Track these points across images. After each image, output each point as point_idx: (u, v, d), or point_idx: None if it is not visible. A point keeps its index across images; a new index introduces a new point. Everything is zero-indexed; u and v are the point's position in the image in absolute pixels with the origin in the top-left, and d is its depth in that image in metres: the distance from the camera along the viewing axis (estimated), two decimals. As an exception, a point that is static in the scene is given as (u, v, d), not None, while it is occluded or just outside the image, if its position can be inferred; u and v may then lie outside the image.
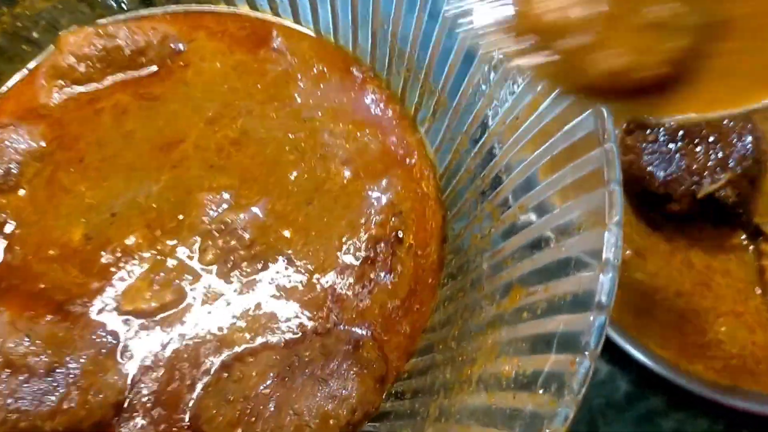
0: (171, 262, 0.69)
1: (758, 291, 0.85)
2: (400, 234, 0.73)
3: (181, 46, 0.79)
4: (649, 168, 0.85)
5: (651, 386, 0.81)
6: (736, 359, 0.82)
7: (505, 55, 0.47)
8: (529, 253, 0.62)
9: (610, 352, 0.79)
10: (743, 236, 0.86)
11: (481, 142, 0.70)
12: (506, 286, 0.63)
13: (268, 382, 0.63)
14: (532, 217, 0.64)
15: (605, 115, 0.53)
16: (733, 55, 0.46)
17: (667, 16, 0.45)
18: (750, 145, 0.85)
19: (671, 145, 0.86)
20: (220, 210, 0.70)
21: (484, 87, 0.69)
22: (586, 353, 0.51)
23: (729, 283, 0.85)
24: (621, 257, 0.54)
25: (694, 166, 0.84)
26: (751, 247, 0.86)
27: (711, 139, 0.86)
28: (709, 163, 0.84)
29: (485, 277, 0.66)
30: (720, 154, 0.84)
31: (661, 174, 0.84)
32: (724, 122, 0.87)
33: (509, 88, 0.67)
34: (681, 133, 0.86)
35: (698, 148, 0.85)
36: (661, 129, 0.87)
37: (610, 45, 0.46)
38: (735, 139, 0.85)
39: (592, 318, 0.52)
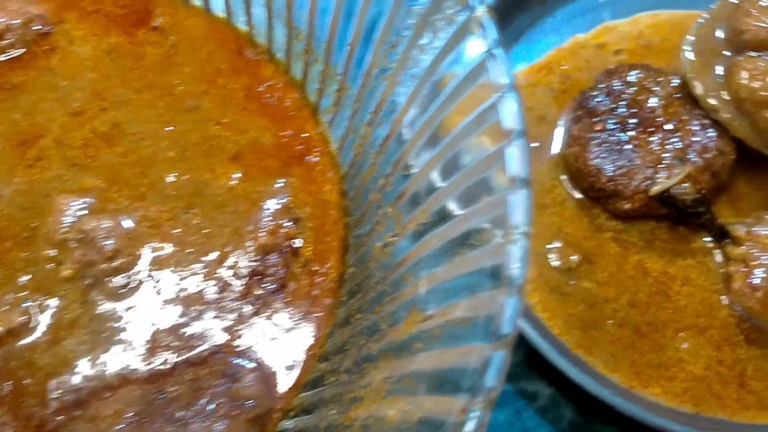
0: (22, 279, 0.59)
1: (725, 301, 0.74)
2: (297, 244, 0.62)
3: (47, 29, 0.68)
4: (596, 161, 0.74)
5: (600, 414, 0.71)
6: (699, 381, 0.71)
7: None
8: (432, 265, 0.52)
9: (552, 374, 0.69)
10: (706, 238, 0.76)
11: (384, 135, 0.59)
12: (405, 306, 0.53)
13: (122, 425, 0.53)
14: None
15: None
16: None
17: None
18: (713, 133, 0.74)
19: (622, 135, 0.75)
20: (79, 216, 0.60)
21: (387, 69, 0.59)
22: (480, 400, 0.41)
23: (690, 292, 0.75)
24: (524, 277, 0.43)
25: (648, 159, 0.73)
26: (716, 251, 0.76)
27: (669, 127, 0.75)
28: (666, 155, 0.73)
29: (386, 294, 0.56)
30: (678, 145, 0.74)
31: (609, 168, 0.73)
32: (685, 107, 0.76)
33: (414, 68, 0.57)
34: (634, 120, 0.76)
35: (653, 138, 0.75)
36: (611, 116, 0.76)
37: None
38: (696, 127, 0.75)
39: (489, 353, 0.41)
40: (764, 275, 0.70)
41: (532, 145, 0.80)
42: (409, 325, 0.51)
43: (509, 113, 0.48)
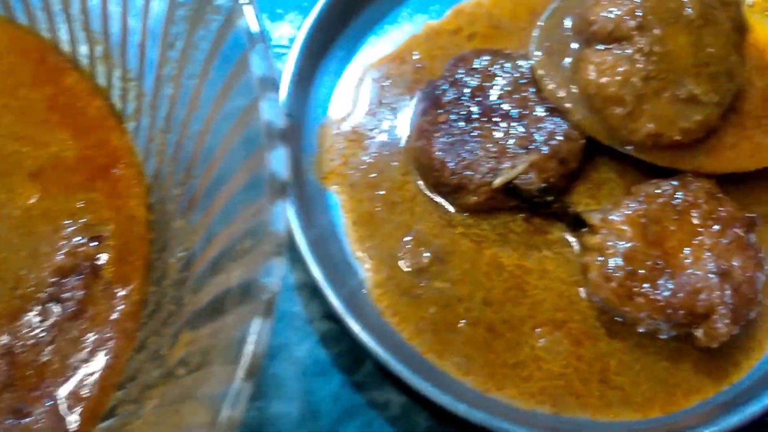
0: None
1: (583, 294, 0.71)
2: (99, 263, 0.58)
3: None
4: (440, 155, 0.70)
5: (457, 419, 0.67)
6: (557, 379, 0.68)
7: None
8: (205, 283, 0.48)
9: (403, 382, 0.65)
10: (562, 229, 0.73)
11: (175, 141, 0.55)
12: (178, 328, 0.49)
13: None
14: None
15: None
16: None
17: (698, 93, 0.67)
18: (560, 119, 0.71)
19: (467, 125, 0.72)
20: None
21: (170, 69, 0.55)
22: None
23: (547, 285, 0.71)
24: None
25: (493, 149, 0.70)
26: (575, 242, 0.73)
27: (514, 114, 0.72)
28: (510, 144, 0.70)
29: (172, 314, 0.52)
30: (523, 133, 0.70)
31: (452, 161, 0.70)
32: (532, 92, 0.73)
33: (196, 68, 0.53)
34: (479, 110, 0.72)
35: (498, 127, 0.71)
36: (456, 106, 0.73)
37: (650, 115, 0.68)
38: (543, 113, 0.71)
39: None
40: (619, 264, 0.67)
41: (380, 139, 0.77)
42: (178, 349, 0.47)
43: (270, 112, 0.44)
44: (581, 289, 0.71)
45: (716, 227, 0.69)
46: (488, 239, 0.72)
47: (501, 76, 0.74)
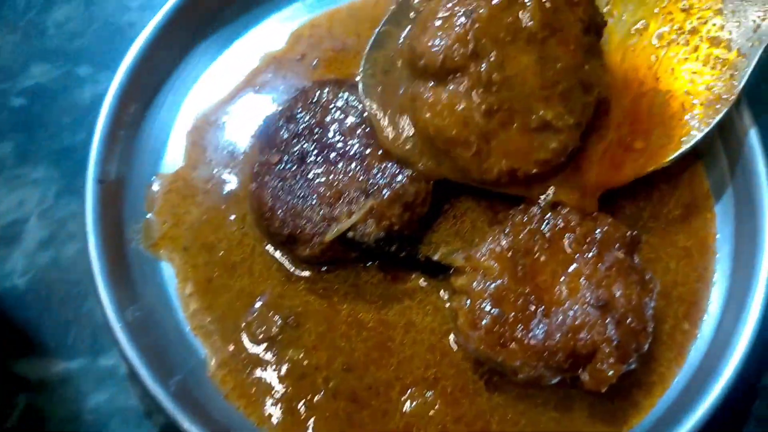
0: None
1: (454, 344, 0.63)
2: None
3: None
4: (270, 201, 0.62)
5: None
6: (434, 450, 0.59)
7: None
8: None
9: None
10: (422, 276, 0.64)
11: None
12: None
13: None
14: None
15: None
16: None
17: (551, 119, 0.58)
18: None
19: (300, 166, 0.63)
20: None
21: None
22: None
23: (415, 339, 0.62)
24: None
25: (328, 193, 0.61)
26: (442, 291, 0.64)
27: (356, 152, 0.63)
28: (348, 188, 0.61)
29: None
30: (361, 175, 0.62)
31: (282, 209, 0.61)
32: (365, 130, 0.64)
33: None
34: (314, 148, 0.64)
35: (336, 168, 0.62)
36: (291, 145, 0.64)
37: (500, 152, 0.60)
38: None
39: None
40: (487, 307, 0.59)
41: (216, 190, 0.68)
42: None
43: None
44: (453, 338, 0.62)
45: (592, 252, 0.61)
46: (339, 293, 0.63)
47: (343, 111, 0.65)
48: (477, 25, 0.58)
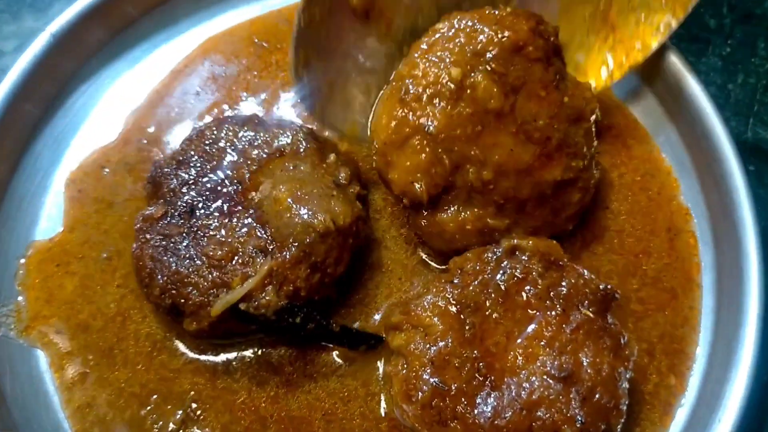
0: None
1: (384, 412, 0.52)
2: None
3: None
4: (150, 264, 0.50)
5: None
6: None
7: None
8: None
9: None
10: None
11: None
12: None
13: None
14: None
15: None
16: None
17: (560, 177, 0.54)
18: (305, 210, 0.51)
19: (191, 221, 0.51)
20: None
21: None
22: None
23: (344, 428, 0.51)
24: None
25: (218, 253, 0.50)
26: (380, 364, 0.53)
27: (253, 203, 0.52)
28: (241, 246, 0.50)
29: None
30: (260, 229, 0.50)
31: (162, 274, 0.50)
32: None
33: None
34: (206, 197, 0.52)
35: (230, 221, 0.51)
36: (181, 195, 0.53)
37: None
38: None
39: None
40: (426, 375, 0.48)
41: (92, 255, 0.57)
42: None
43: None
44: (384, 405, 0.52)
45: (557, 310, 0.50)
46: (241, 379, 0.52)
47: (242, 153, 0.54)
48: (442, 136, 0.51)
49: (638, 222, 0.60)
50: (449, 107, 0.51)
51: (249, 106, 0.63)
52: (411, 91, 0.52)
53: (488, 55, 0.51)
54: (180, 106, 0.63)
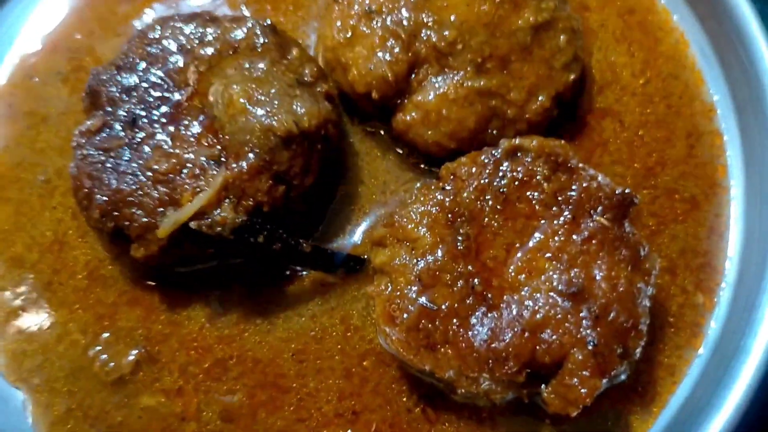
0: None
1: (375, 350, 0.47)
2: None
3: None
4: (88, 183, 0.44)
5: None
6: None
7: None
8: None
9: None
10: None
11: None
12: None
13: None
14: None
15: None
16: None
17: None
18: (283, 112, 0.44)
19: (130, 132, 0.45)
20: None
21: None
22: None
23: (320, 365, 0.46)
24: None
25: (165, 166, 0.43)
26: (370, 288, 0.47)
27: (203, 102, 0.45)
28: (192, 157, 0.43)
29: None
30: (212, 138, 0.43)
31: (102, 193, 0.43)
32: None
33: None
34: (151, 105, 0.45)
35: (178, 129, 0.44)
36: (123, 104, 0.46)
37: None
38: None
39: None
40: (413, 293, 0.42)
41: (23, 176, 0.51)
42: None
43: None
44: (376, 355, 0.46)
45: (564, 217, 0.44)
46: (200, 312, 0.46)
47: (188, 52, 0.47)
48: (385, 9, 0.48)
49: (651, 132, 0.54)
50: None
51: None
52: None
53: None
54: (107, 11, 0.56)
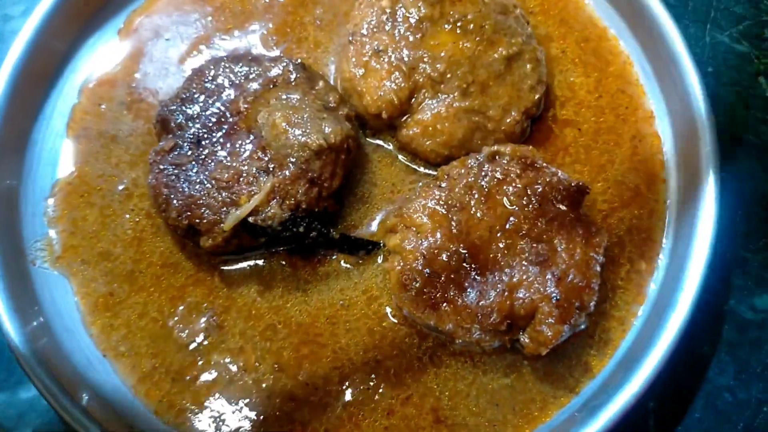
0: None
1: (395, 319, 0.59)
2: None
3: None
4: (165, 191, 0.57)
5: None
6: (383, 435, 0.56)
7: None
8: None
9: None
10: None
11: None
12: None
13: None
14: None
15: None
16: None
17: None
18: (299, 132, 0.57)
19: (199, 151, 0.58)
20: None
21: None
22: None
23: (350, 327, 0.59)
24: None
25: (225, 176, 0.56)
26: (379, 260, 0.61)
27: (253, 126, 0.58)
28: (248, 167, 0.56)
29: None
30: (261, 153, 0.57)
31: (177, 199, 0.56)
32: (283, 96, 0.59)
33: None
34: (211, 129, 0.58)
35: (233, 147, 0.58)
36: (188, 128, 0.59)
37: None
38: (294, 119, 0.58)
39: None
40: (419, 267, 0.55)
41: (109, 188, 0.63)
42: None
43: None
44: (389, 311, 0.59)
45: (533, 205, 0.57)
46: (256, 288, 0.59)
47: (238, 87, 0.60)
48: (390, 50, 0.62)
49: (603, 137, 0.66)
50: (388, 27, 0.62)
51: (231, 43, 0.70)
52: (357, 33, 0.63)
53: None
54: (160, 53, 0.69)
